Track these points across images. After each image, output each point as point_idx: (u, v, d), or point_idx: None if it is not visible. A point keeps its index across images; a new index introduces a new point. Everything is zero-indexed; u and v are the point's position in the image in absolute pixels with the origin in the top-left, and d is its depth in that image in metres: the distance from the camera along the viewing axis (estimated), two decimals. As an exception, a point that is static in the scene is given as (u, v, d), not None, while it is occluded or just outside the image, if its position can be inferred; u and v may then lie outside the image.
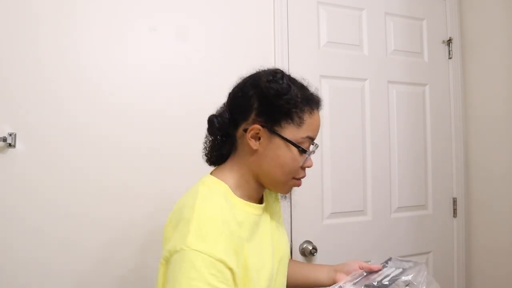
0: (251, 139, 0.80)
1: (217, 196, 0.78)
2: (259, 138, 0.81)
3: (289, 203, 1.54)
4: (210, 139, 0.90)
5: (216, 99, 1.45)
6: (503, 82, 1.73)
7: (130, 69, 1.36)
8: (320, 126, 0.87)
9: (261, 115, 0.80)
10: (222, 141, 0.87)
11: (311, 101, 0.82)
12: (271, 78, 0.79)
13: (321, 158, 1.62)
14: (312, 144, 0.84)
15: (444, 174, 1.87)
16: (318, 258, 1.59)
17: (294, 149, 0.80)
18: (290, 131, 0.79)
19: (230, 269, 0.67)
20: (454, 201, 1.88)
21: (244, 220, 0.79)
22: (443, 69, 1.89)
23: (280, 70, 0.82)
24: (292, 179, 0.83)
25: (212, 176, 0.84)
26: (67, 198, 1.26)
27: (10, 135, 1.20)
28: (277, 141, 0.80)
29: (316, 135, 0.84)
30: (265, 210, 0.89)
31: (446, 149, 1.88)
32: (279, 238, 0.91)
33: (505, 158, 1.72)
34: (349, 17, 1.72)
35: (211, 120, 0.86)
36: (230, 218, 0.74)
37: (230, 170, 0.84)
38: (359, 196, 1.70)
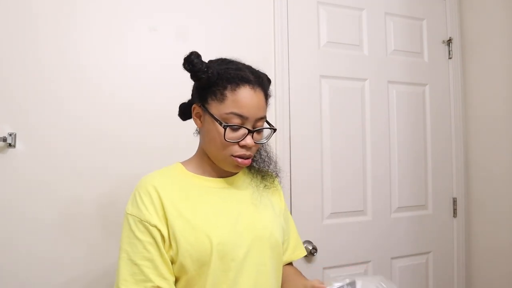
0: (195, 118, 0.91)
1: (158, 172, 0.91)
2: (200, 116, 0.90)
3: (289, 203, 1.54)
4: None
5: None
6: (503, 82, 1.73)
7: (130, 69, 1.36)
8: (254, 105, 0.85)
9: (197, 96, 0.90)
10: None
11: (233, 78, 0.84)
12: (185, 58, 0.85)
13: (321, 158, 1.62)
14: (245, 122, 0.84)
15: (444, 174, 1.87)
16: (318, 258, 1.59)
17: (218, 124, 0.84)
18: (214, 107, 0.85)
19: (154, 226, 0.82)
20: (454, 201, 1.88)
21: (188, 187, 0.88)
22: (443, 69, 1.90)
23: (194, 51, 0.86)
24: (231, 156, 0.85)
25: (177, 162, 0.96)
26: (67, 198, 1.26)
27: (10, 135, 1.20)
28: (207, 117, 0.86)
29: (247, 113, 0.83)
30: (230, 185, 0.93)
31: (446, 149, 1.88)
32: (256, 219, 0.91)
33: (505, 158, 1.72)
34: (349, 17, 1.72)
35: (179, 106, 1.01)
36: (160, 184, 0.86)
37: (194, 154, 0.97)
38: (359, 196, 1.70)
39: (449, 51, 1.90)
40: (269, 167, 0.99)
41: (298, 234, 1.08)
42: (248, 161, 0.87)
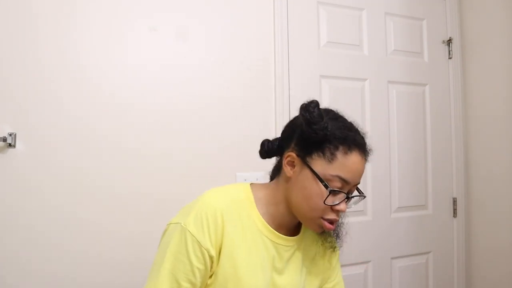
0: (286, 165, 0.84)
1: (229, 197, 0.83)
2: (294, 166, 0.83)
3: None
4: (276, 163, 0.93)
5: (216, 99, 1.47)
6: (503, 82, 1.73)
7: (130, 69, 1.36)
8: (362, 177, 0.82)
9: (298, 144, 0.83)
10: (277, 164, 0.92)
11: (348, 141, 0.79)
12: (304, 105, 0.80)
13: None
14: (345, 187, 0.80)
15: (444, 174, 1.87)
16: (318, 258, 1.59)
17: (320, 184, 0.78)
18: (320, 165, 0.79)
19: (211, 257, 0.77)
20: (454, 201, 1.88)
21: (249, 229, 0.82)
22: (443, 69, 1.89)
23: (315, 100, 0.81)
24: (321, 218, 0.80)
25: (247, 184, 0.90)
26: (67, 198, 1.26)
27: (10, 135, 1.20)
28: (307, 172, 0.80)
29: (351, 178, 0.79)
30: (296, 248, 0.88)
31: (446, 149, 1.88)
32: (288, 282, 0.86)
33: (505, 158, 1.72)
34: (349, 17, 1.72)
35: (262, 143, 0.94)
36: (228, 217, 0.80)
37: (267, 187, 0.89)
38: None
39: (449, 51, 1.90)
40: (339, 230, 0.93)
41: None
42: (333, 227, 0.83)
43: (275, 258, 0.84)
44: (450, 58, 1.90)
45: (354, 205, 0.86)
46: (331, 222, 0.81)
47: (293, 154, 0.82)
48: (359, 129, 0.85)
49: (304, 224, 0.85)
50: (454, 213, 1.88)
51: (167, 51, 1.41)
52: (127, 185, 1.34)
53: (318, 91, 1.63)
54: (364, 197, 0.87)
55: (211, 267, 0.78)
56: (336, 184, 0.78)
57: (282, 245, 0.85)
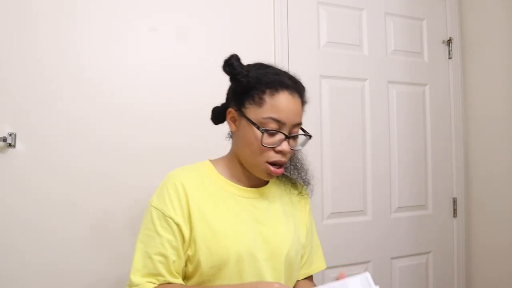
0: (229, 122, 0.90)
1: (189, 169, 0.91)
2: (235, 121, 0.88)
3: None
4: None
5: (216, 99, 1.46)
6: (503, 82, 1.73)
7: (130, 69, 1.36)
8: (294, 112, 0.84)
9: (233, 99, 0.89)
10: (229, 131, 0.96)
11: (274, 83, 0.84)
12: (224, 61, 0.86)
13: (321, 158, 1.62)
14: (282, 127, 0.83)
15: (444, 174, 1.87)
16: (318, 258, 1.59)
17: (255, 128, 0.83)
18: (252, 112, 0.84)
19: (177, 224, 0.82)
20: (454, 201, 1.88)
21: (216, 191, 0.87)
22: (443, 69, 1.89)
23: (234, 54, 0.87)
24: (266, 163, 0.84)
25: (207, 160, 0.95)
26: (67, 198, 1.26)
27: (10, 135, 1.20)
28: (244, 121, 0.85)
29: (284, 118, 0.82)
30: (259, 196, 0.91)
31: (446, 149, 1.88)
32: (276, 234, 0.89)
33: (505, 158, 1.72)
34: (349, 17, 1.72)
35: (212, 110, 0.99)
36: (189, 183, 0.85)
37: (225, 155, 0.95)
38: (359, 196, 1.70)
39: (449, 51, 1.90)
40: (300, 175, 0.98)
41: (320, 247, 1.06)
42: (281, 170, 0.86)
43: (253, 211, 0.88)
44: (450, 58, 1.90)
45: (302, 146, 0.90)
46: (277, 164, 0.84)
47: (232, 110, 0.88)
48: (289, 74, 0.89)
49: (254, 173, 0.88)
50: (454, 213, 1.88)
51: (167, 51, 1.41)
52: (127, 184, 1.34)
53: (318, 91, 1.63)
54: (310, 136, 0.89)
55: (183, 236, 0.82)
56: (272, 126, 0.82)
57: (251, 197, 0.90)
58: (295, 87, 0.87)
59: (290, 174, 0.99)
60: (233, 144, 0.93)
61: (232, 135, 0.93)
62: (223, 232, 0.83)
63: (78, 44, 1.30)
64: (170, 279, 0.81)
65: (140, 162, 1.35)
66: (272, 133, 0.83)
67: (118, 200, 1.32)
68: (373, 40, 1.75)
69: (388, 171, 1.76)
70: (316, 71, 1.63)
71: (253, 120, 0.83)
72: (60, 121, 1.27)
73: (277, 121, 0.82)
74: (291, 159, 0.96)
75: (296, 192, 0.99)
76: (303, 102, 0.90)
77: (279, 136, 0.83)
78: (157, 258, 0.80)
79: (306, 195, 1.01)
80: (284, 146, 0.83)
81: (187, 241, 0.82)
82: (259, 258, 0.85)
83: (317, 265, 1.03)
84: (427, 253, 1.83)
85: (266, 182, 0.94)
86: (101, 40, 1.33)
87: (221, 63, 1.49)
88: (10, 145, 1.20)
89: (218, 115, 0.97)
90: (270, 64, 0.91)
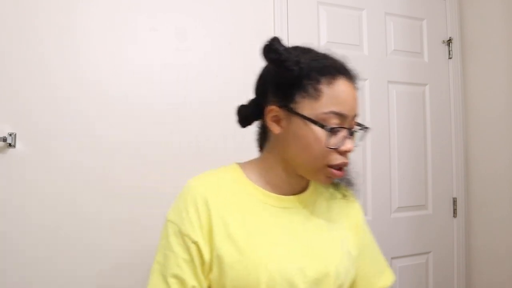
0: (271, 123, 0.73)
1: (212, 175, 0.76)
2: (280, 120, 0.72)
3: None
4: (259, 130, 0.83)
5: (216, 98, 1.47)
6: (503, 82, 1.73)
7: (130, 69, 1.36)
8: (358, 101, 0.72)
9: (276, 94, 0.72)
10: (261, 130, 0.81)
11: (328, 68, 0.68)
12: (265, 46, 0.70)
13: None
14: (344, 122, 0.69)
15: (444, 174, 1.87)
16: (318, 258, 1.59)
17: (315, 127, 0.67)
18: (307, 106, 0.68)
19: (195, 243, 0.69)
20: (454, 201, 1.88)
21: (245, 202, 0.73)
22: (443, 69, 1.89)
23: (275, 36, 0.71)
24: (327, 167, 0.69)
25: (234, 163, 0.80)
26: (67, 198, 1.26)
27: (10, 135, 1.20)
28: (297, 120, 0.69)
29: (347, 110, 0.68)
30: (299, 205, 0.76)
31: (446, 149, 1.88)
32: (322, 253, 0.73)
33: (505, 158, 1.72)
34: (349, 17, 1.72)
35: (237, 110, 0.83)
36: (212, 193, 0.72)
37: (256, 160, 0.79)
38: (359, 196, 1.69)
39: (449, 51, 1.89)
40: (348, 182, 0.83)
41: (381, 254, 0.88)
42: (343, 173, 0.72)
43: (290, 224, 0.73)
44: (450, 58, 1.90)
45: (360, 142, 0.74)
46: (339, 168, 0.70)
47: (275, 107, 0.71)
48: (335, 55, 0.74)
49: (312, 179, 0.74)
50: (454, 213, 1.88)
51: (167, 50, 1.41)
52: (128, 184, 1.34)
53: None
54: (367, 128, 0.74)
55: (202, 258, 0.68)
56: (334, 121, 0.67)
57: (289, 207, 0.74)
58: (350, 72, 0.72)
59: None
60: (274, 146, 0.75)
61: (264, 135, 0.78)
62: (253, 252, 0.68)
63: (78, 44, 1.30)
64: None
65: (140, 162, 1.35)
66: (336, 131, 0.67)
67: (118, 200, 1.32)
68: (373, 40, 1.75)
69: (388, 171, 1.76)
70: (316, 71, 1.63)
71: (312, 117, 0.67)
72: (60, 121, 1.27)
73: (339, 115, 0.67)
74: None
75: (339, 195, 0.83)
76: (357, 89, 0.74)
77: (343, 133, 0.68)
78: (171, 280, 0.67)
79: (352, 198, 0.86)
80: (349, 144, 0.69)
81: (208, 264, 0.69)
82: (298, 285, 0.68)
83: (383, 281, 0.84)
84: (427, 253, 1.83)
85: (306, 188, 0.79)
86: (102, 40, 1.33)
87: (221, 63, 1.49)
88: (10, 145, 1.20)
89: (248, 116, 0.81)
90: (309, 46, 0.75)
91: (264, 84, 0.76)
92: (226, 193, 0.73)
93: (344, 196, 0.83)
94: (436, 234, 1.84)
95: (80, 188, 1.28)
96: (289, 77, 0.69)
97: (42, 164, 1.24)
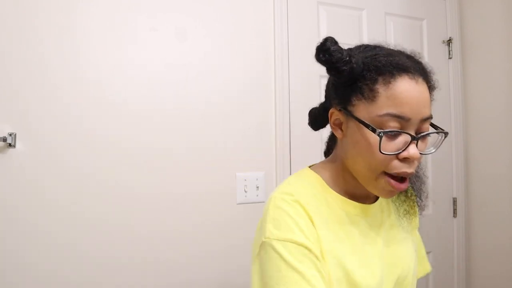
0: (334, 126, 0.70)
1: (300, 181, 0.70)
2: (341, 124, 0.68)
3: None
4: (330, 134, 0.80)
5: (215, 99, 1.47)
6: (503, 82, 1.73)
7: (131, 69, 1.36)
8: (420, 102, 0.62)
9: (335, 97, 0.69)
10: (331, 134, 0.80)
11: (387, 67, 0.62)
12: (318, 47, 0.65)
13: (321, 158, 1.61)
14: (405, 126, 0.61)
15: (444, 174, 1.87)
16: (318, 258, 1.59)
17: (368, 131, 0.61)
18: (362, 109, 0.63)
19: (314, 253, 0.60)
20: (454, 201, 1.88)
21: (330, 210, 0.68)
22: (443, 69, 1.89)
23: (329, 37, 0.66)
24: (385, 175, 0.63)
25: (308, 168, 0.75)
26: (67, 198, 1.26)
27: (10, 135, 1.20)
28: (353, 123, 0.65)
29: (407, 112, 0.60)
30: (372, 212, 0.72)
31: (446, 149, 1.88)
32: (398, 257, 0.71)
33: (505, 158, 1.72)
34: (349, 17, 1.72)
35: (309, 112, 0.80)
36: (305, 200, 0.65)
37: (327, 163, 0.75)
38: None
39: (449, 51, 1.90)
40: (420, 187, 0.78)
41: (424, 249, 0.94)
42: (406, 185, 0.63)
43: (375, 234, 0.69)
44: (450, 58, 1.90)
45: (436, 149, 0.67)
46: (400, 179, 0.63)
47: (335, 111, 0.68)
48: (406, 53, 0.67)
49: (368, 189, 0.67)
50: (454, 213, 1.88)
51: (167, 50, 1.41)
52: (127, 184, 1.34)
53: (318, 90, 1.63)
54: (446, 133, 0.66)
55: (321, 272, 0.60)
56: (393, 125, 0.60)
57: (370, 216, 0.70)
58: (417, 68, 0.63)
59: (413, 186, 0.77)
60: (339, 151, 0.72)
61: (334, 139, 0.76)
62: (356, 268, 0.63)
63: (78, 44, 1.30)
64: None
65: (140, 162, 1.35)
66: (393, 135, 0.61)
67: (118, 200, 1.32)
68: (373, 40, 1.73)
69: (388, 171, 1.76)
70: (316, 71, 1.63)
71: (365, 121, 0.62)
72: (60, 121, 1.27)
73: (399, 118, 0.60)
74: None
75: (406, 205, 0.79)
76: (431, 88, 0.66)
77: (403, 139, 0.61)
78: None
79: (415, 205, 0.82)
80: (412, 150, 0.61)
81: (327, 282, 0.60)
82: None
83: (422, 268, 0.90)
84: (427, 253, 1.81)
85: (377, 196, 0.74)
86: (102, 40, 1.32)
87: (221, 63, 1.49)
88: (10, 145, 1.20)
89: (317, 119, 0.78)
90: (379, 44, 0.70)
91: (328, 87, 0.73)
92: (316, 201, 0.67)
93: (406, 212, 0.78)
94: (436, 234, 1.84)
95: (80, 188, 1.28)
96: (342, 79, 0.65)
97: (42, 164, 1.24)
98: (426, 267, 0.89)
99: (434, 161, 1.85)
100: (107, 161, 1.31)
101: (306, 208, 0.64)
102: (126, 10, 1.36)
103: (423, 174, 0.77)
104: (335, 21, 1.68)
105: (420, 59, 0.67)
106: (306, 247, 0.59)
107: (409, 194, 0.78)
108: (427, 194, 0.78)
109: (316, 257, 0.60)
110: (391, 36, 1.79)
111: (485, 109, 1.82)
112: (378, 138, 0.60)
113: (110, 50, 1.34)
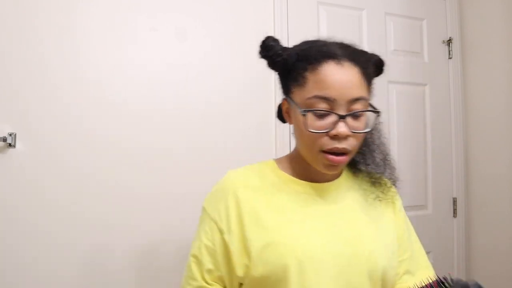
0: (285, 115, 0.78)
1: (250, 166, 0.80)
2: (290, 112, 0.76)
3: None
4: None
5: (215, 99, 1.47)
6: (503, 82, 1.73)
7: (130, 69, 1.36)
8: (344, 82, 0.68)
9: (281, 87, 0.78)
10: None
11: (313, 55, 0.69)
12: (260, 45, 0.77)
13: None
14: (334, 106, 0.67)
15: (444, 174, 1.87)
16: (318, 258, 1.59)
17: (300, 113, 0.69)
18: (297, 95, 0.70)
19: (220, 231, 0.73)
20: (454, 201, 1.88)
21: (275, 189, 0.75)
22: (443, 69, 1.89)
23: (270, 35, 0.78)
24: (320, 152, 0.69)
25: (271, 159, 0.84)
26: (67, 198, 1.26)
27: (10, 135, 1.20)
28: (293, 109, 0.72)
29: (332, 93, 0.66)
30: (327, 191, 0.76)
31: (446, 149, 1.88)
32: (352, 235, 0.72)
33: (505, 158, 1.72)
34: (349, 17, 1.72)
35: (277, 106, 0.86)
36: (244, 186, 0.75)
37: (291, 152, 0.83)
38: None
39: (449, 51, 1.90)
40: (383, 172, 0.82)
41: (424, 252, 0.92)
42: (343, 158, 0.69)
43: (323, 211, 0.74)
44: (450, 58, 1.90)
45: (370, 128, 0.73)
46: (334, 153, 0.68)
47: (284, 101, 0.77)
48: (344, 44, 0.75)
49: (316, 167, 0.72)
50: (454, 213, 1.88)
51: (167, 50, 1.41)
52: (127, 184, 1.34)
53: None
54: (377, 112, 0.74)
55: (225, 247, 0.71)
56: (320, 106, 0.67)
57: (319, 195, 0.75)
58: (345, 54, 0.69)
59: (369, 170, 0.81)
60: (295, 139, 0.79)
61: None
62: (281, 234, 0.69)
63: (78, 44, 1.30)
64: (203, 284, 0.71)
65: (140, 162, 1.35)
66: (320, 115, 0.67)
67: (118, 200, 1.32)
68: (373, 40, 1.75)
69: (388, 171, 1.76)
70: (316, 71, 1.63)
71: (298, 104, 0.69)
72: (60, 121, 1.27)
73: (325, 99, 0.66)
74: (372, 154, 0.80)
75: (379, 191, 0.82)
76: (365, 72, 0.72)
77: (331, 118, 0.67)
78: (192, 259, 0.74)
79: (394, 195, 0.87)
80: (340, 129, 0.66)
81: (239, 252, 0.70)
82: (329, 265, 0.68)
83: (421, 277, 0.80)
84: (427, 253, 1.79)
85: (337, 176, 0.79)
86: (102, 40, 1.33)
87: (221, 63, 1.49)
88: (10, 145, 1.20)
89: (279, 111, 0.84)
90: (325, 38, 0.78)
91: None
92: (259, 184, 0.76)
93: (378, 198, 0.82)
94: (436, 234, 1.84)
95: (80, 188, 1.28)
96: (278, 70, 0.75)
97: (42, 164, 1.24)
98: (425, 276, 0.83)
99: (434, 161, 1.85)
100: (107, 161, 1.31)
101: (239, 195, 0.73)
102: (126, 10, 1.36)
103: (383, 160, 0.82)
104: (335, 21, 1.68)
105: (358, 48, 0.75)
106: (213, 219, 0.74)
107: (377, 182, 0.83)
108: (395, 177, 0.86)
109: (219, 230, 0.72)
110: (391, 36, 1.79)
111: (485, 109, 1.82)
112: (305, 117, 0.68)
113: (110, 50, 1.34)
